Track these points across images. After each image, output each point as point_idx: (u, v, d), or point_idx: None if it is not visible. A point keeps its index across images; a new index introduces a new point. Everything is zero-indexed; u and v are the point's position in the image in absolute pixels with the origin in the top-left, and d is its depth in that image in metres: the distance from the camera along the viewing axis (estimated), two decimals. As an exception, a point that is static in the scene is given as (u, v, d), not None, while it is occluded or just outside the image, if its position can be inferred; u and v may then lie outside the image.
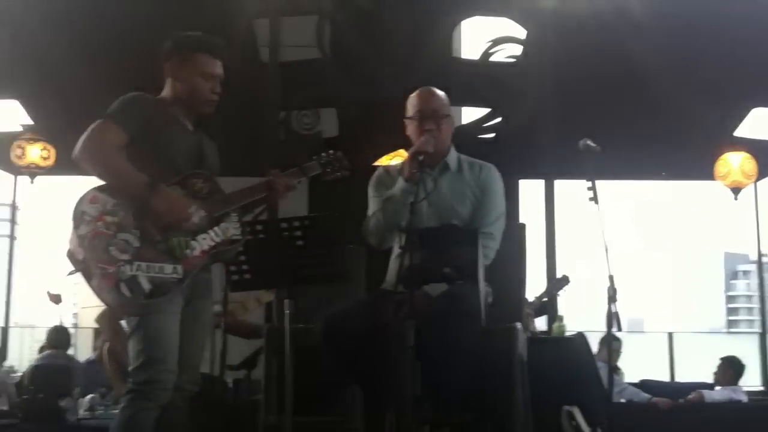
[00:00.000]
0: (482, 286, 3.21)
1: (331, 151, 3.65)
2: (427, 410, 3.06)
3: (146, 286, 2.96)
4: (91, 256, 2.94)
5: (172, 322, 3.08)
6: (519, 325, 3.64)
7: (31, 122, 8.58)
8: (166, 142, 3.22)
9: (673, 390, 7.31)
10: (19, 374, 8.29)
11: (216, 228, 3.16)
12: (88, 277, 2.97)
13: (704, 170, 8.73)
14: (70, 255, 3.02)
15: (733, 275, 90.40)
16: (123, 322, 3.32)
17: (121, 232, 3.00)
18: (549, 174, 7.08)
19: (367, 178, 3.81)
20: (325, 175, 3.60)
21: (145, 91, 3.30)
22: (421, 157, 3.37)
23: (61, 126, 8.24)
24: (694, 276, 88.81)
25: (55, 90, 8.31)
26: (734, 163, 8.46)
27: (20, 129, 8.50)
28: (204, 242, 3.12)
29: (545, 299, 6.21)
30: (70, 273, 3.06)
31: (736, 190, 8.52)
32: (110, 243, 2.97)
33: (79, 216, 3.00)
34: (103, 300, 3.00)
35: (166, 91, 3.33)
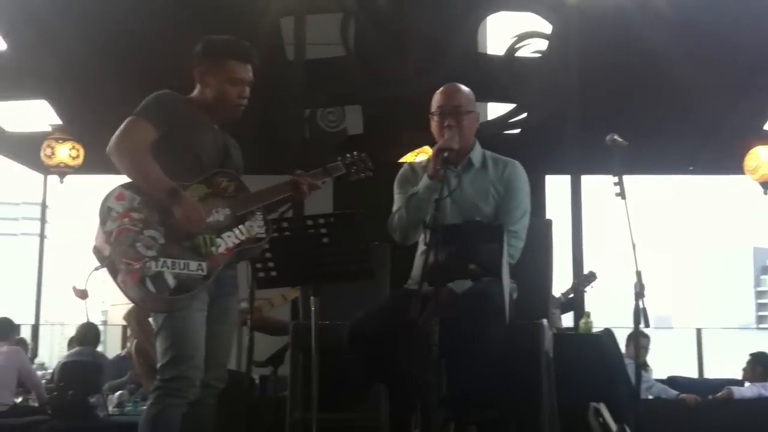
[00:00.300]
0: (507, 282, 3.19)
1: (355, 152, 3.66)
2: (452, 408, 3.05)
3: (171, 282, 2.98)
4: (117, 252, 2.96)
5: (198, 320, 3.11)
6: (545, 321, 3.62)
7: (59, 122, 8.68)
8: (193, 141, 3.25)
9: (701, 386, 7.26)
10: (49, 371, 8.38)
11: (241, 226, 3.18)
12: (114, 273, 3.00)
13: (733, 164, 8.65)
14: (96, 251, 3.06)
15: (762, 270, 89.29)
16: (151, 320, 3.35)
17: (147, 229, 3.03)
18: (575, 169, 7.02)
19: (392, 175, 3.80)
20: (349, 175, 3.61)
21: (173, 90, 3.34)
22: (445, 154, 3.35)
23: (89, 125, 8.34)
24: (722, 271, 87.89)
25: (83, 90, 8.39)
26: (764, 156, 8.39)
27: (49, 129, 8.60)
28: (229, 240, 3.14)
29: (571, 295, 6.19)
30: (96, 268, 3.09)
31: (765, 184, 8.44)
32: (136, 239, 3.00)
33: (105, 212, 3.02)
34: (128, 296, 3.03)
35: (195, 94, 3.37)
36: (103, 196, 3.06)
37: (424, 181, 3.48)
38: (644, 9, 6.81)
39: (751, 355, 7.37)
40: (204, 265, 3.06)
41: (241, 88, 3.31)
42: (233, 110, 3.33)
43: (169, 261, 3.00)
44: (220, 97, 3.30)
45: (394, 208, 3.68)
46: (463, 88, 3.70)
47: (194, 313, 3.09)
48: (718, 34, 7.18)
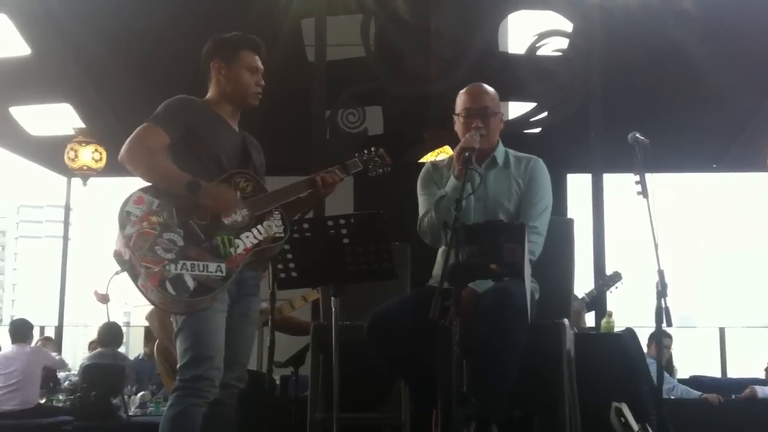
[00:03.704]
0: (528, 282, 3.18)
1: (372, 148, 3.67)
2: (473, 406, 3.04)
3: (191, 284, 3.00)
4: (136, 256, 2.98)
5: (218, 320, 3.12)
6: (566, 321, 3.61)
7: (82, 125, 8.75)
8: (212, 143, 3.28)
9: (724, 386, 7.19)
10: (73, 372, 8.44)
11: (259, 226, 3.20)
12: (134, 277, 3.02)
13: (757, 162, 8.58)
14: (117, 255, 3.08)
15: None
16: (173, 320, 3.37)
17: (166, 232, 3.05)
18: (597, 168, 6.98)
19: (413, 175, 3.80)
20: (368, 171, 3.62)
21: (193, 93, 3.37)
22: (467, 153, 3.34)
23: (112, 128, 8.41)
24: (746, 270, 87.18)
25: (106, 94, 8.46)
26: (788, 154, 8.31)
27: (72, 132, 8.68)
28: (247, 240, 3.15)
29: (595, 294, 6.15)
30: (117, 273, 3.11)
31: (790, 182, 8.37)
32: (156, 242, 3.02)
33: (124, 217, 3.05)
34: (148, 299, 3.05)
35: (212, 92, 3.41)
36: (122, 201, 3.08)
37: (451, 182, 3.49)
38: (668, 5, 6.76)
39: (775, 353, 7.31)
40: (223, 266, 3.07)
41: (257, 76, 3.40)
42: (252, 98, 3.40)
43: (188, 263, 3.02)
44: (238, 87, 3.36)
45: (421, 210, 3.68)
46: (489, 88, 3.70)
47: (214, 314, 3.10)
48: (743, 31, 7.12)
